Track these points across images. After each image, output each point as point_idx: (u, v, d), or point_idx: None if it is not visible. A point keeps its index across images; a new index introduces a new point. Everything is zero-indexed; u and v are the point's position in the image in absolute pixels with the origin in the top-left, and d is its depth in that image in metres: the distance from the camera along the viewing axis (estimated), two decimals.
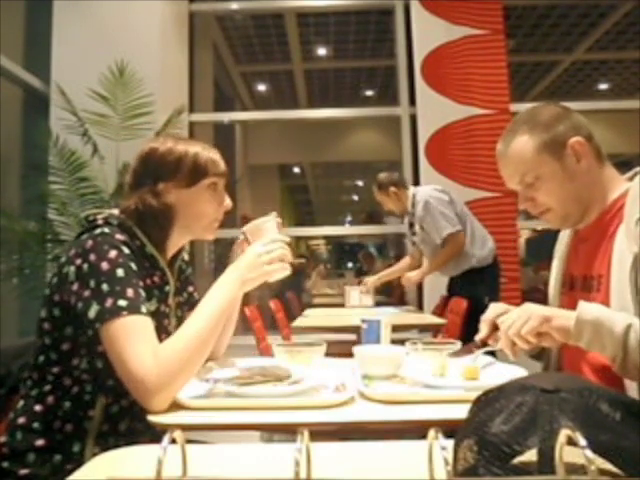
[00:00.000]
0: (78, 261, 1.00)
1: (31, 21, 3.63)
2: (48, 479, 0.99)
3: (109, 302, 0.95)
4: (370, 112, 5.27)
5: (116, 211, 1.13)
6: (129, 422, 1.08)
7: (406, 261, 3.45)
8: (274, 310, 3.10)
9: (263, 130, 7.73)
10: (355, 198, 14.34)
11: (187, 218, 1.14)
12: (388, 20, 4.75)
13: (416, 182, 3.82)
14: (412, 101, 3.94)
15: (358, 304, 3.30)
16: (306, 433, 0.41)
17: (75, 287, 0.98)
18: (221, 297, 1.05)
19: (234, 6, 4.44)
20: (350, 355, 1.15)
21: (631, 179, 1.12)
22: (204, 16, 4.63)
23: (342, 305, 3.44)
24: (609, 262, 1.02)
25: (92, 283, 0.97)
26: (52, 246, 3.03)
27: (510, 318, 1.00)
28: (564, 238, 1.26)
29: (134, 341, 0.93)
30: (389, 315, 2.74)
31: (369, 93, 7.86)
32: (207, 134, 4.62)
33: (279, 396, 0.93)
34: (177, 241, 1.18)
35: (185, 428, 0.54)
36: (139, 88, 3.11)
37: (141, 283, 1.02)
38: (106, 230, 1.04)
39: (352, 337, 2.32)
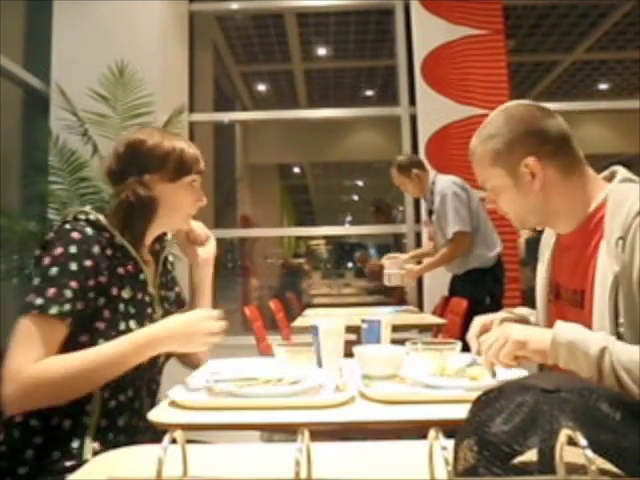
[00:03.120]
0: (37, 252, 1.07)
1: (31, 21, 3.63)
2: (47, 476, 0.98)
3: (30, 297, 0.99)
4: (370, 112, 5.27)
5: (88, 207, 1.15)
6: (128, 418, 1.09)
7: (427, 244, 3.43)
8: (274, 310, 3.10)
9: (263, 130, 7.73)
10: (355, 198, 14.33)
11: (167, 210, 1.18)
12: (388, 20, 4.75)
13: None
14: (412, 101, 3.94)
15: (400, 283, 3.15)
16: (306, 433, 0.41)
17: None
18: (130, 350, 1.03)
19: (234, 6, 4.43)
20: (350, 355, 1.15)
21: (609, 179, 1.08)
22: (204, 16, 4.63)
23: (342, 305, 3.43)
24: (592, 279, 1.00)
25: (33, 275, 1.03)
26: None
27: (490, 339, 1.00)
28: (548, 240, 1.23)
29: (23, 345, 0.97)
30: (389, 315, 2.74)
31: (369, 93, 7.85)
32: (207, 134, 4.62)
33: (279, 396, 0.93)
34: (153, 231, 1.22)
35: (185, 428, 0.54)
36: (139, 88, 3.10)
37: (73, 284, 1.01)
38: (67, 226, 1.07)
39: (352, 337, 2.31)
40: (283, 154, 8.50)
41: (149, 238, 1.22)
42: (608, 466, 0.40)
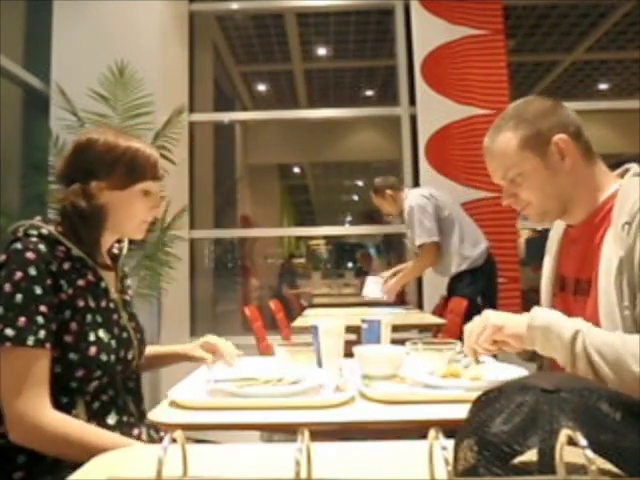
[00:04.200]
0: None
1: (31, 21, 3.63)
2: (46, 477, 0.98)
3: None
4: (370, 112, 5.27)
5: (38, 218, 1.10)
6: (117, 415, 1.08)
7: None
8: (274, 310, 3.10)
9: (263, 130, 7.73)
10: (355, 198, 14.34)
11: (116, 219, 1.13)
12: (388, 20, 4.75)
13: (416, 182, 3.82)
14: (412, 101, 3.94)
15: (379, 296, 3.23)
16: (306, 433, 0.41)
17: None
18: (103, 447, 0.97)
19: (234, 6, 4.43)
20: (350, 355, 1.15)
21: (622, 176, 1.10)
22: (204, 16, 4.63)
23: (342, 305, 3.44)
24: (598, 266, 1.01)
25: None
26: None
27: (470, 326, 1.04)
28: (555, 236, 1.24)
29: (4, 376, 0.95)
30: (389, 315, 2.74)
31: (369, 93, 7.86)
32: (207, 134, 4.63)
33: (279, 396, 0.93)
34: (108, 239, 1.18)
35: (185, 428, 0.54)
36: (139, 88, 3.11)
37: (43, 308, 0.99)
38: (19, 246, 1.01)
39: (352, 337, 2.31)
40: (283, 154, 8.51)
41: (105, 245, 1.18)
42: (608, 466, 0.40)
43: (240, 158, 7.44)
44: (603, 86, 7.66)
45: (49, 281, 1.01)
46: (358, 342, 1.32)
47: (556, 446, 0.38)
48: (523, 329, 0.96)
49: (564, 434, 0.38)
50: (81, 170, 1.10)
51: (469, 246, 2.99)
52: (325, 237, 13.62)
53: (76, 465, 0.70)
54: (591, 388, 0.47)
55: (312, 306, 4.07)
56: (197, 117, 4.11)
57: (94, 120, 3.08)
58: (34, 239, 1.04)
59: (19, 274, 0.98)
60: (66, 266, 1.06)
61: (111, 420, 1.07)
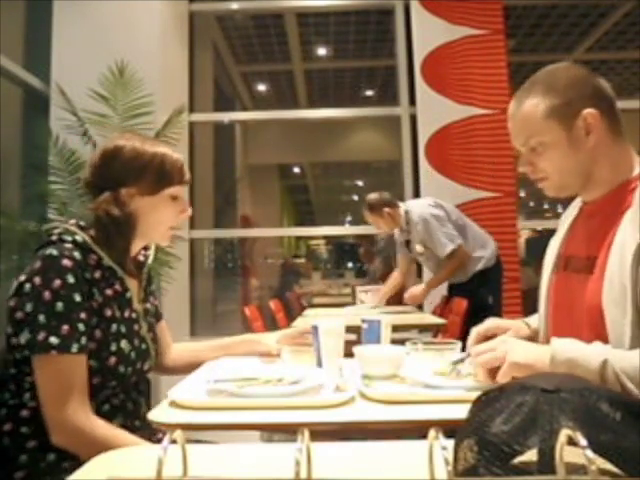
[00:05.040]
0: (22, 278, 1.00)
1: (31, 21, 3.63)
2: (46, 478, 0.98)
3: (41, 335, 0.96)
4: (370, 112, 5.27)
5: (73, 222, 1.11)
6: (123, 419, 1.09)
7: (396, 277, 3.43)
8: (274, 310, 3.10)
9: (263, 130, 7.73)
10: (355, 198, 14.33)
11: (145, 225, 1.13)
12: (388, 20, 4.75)
13: (416, 182, 3.82)
14: (412, 101, 3.94)
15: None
16: (306, 433, 0.41)
17: (12, 303, 1.00)
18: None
19: (234, 6, 4.44)
20: (350, 355, 1.15)
21: None
22: (204, 16, 4.63)
23: (342, 305, 3.44)
24: (609, 245, 0.98)
25: (29, 307, 0.97)
26: None
27: (487, 352, 0.95)
28: (568, 218, 1.20)
29: (52, 382, 0.96)
30: (389, 315, 2.74)
31: (369, 93, 7.86)
32: (207, 134, 4.63)
33: (279, 396, 0.93)
34: (136, 246, 1.18)
35: (185, 428, 0.54)
36: (139, 88, 3.11)
37: (83, 315, 1.00)
38: (54, 252, 1.01)
39: (352, 337, 2.31)
40: (283, 154, 8.51)
41: (133, 252, 1.18)
42: (608, 466, 0.40)
43: (240, 158, 7.44)
44: None
45: (85, 288, 1.02)
46: (358, 342, 1.32)
47: (556, 446, 0.38)
48: (546, 366, 0.88)
49: (564, 434, 0.38)
50: (110, 178, 1.10)
51: (480, 247, 3.00)
52: (325, 237, 13.62)
53: (76, 465, 0.70)
54: (591, 388, 0.47)
55: (312, 306, 4.07)
56: (197, 117, 4.11)
57: (94, 120, 3.08)
58: (69, 245, 1.04)
59: (58, 282, 0.98)
60: (97, 275, 1.07)
61: (117, 423, 1.07)
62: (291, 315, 3.40)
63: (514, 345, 0.95)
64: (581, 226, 1.14)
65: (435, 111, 3.78)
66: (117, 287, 1.12)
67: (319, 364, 1.11)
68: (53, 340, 0.96)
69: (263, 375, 1.03)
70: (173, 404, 0.93)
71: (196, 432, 0.85)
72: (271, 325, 3.25)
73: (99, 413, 1.04)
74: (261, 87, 7.71)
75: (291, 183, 12.03)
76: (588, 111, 1.02)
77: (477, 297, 2.65)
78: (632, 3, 5.00)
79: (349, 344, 1.17)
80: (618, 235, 0.97)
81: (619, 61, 6.75)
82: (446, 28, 3.82)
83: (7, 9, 3.24)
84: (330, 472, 0.65)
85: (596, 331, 0.96)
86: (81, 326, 0.99)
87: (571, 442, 0.37)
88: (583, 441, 0.36)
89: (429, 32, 3.84)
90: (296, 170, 11.13)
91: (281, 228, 9.46)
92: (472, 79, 3.77)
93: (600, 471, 0.36)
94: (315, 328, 1.12)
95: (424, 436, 0.47)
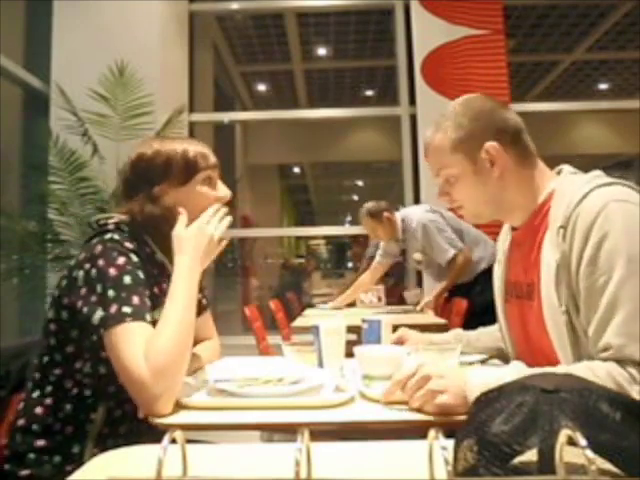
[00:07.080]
0: (87, 265, 1.00)
1: (31, 21, 3.63)
2: (52, 476, 0.99)
3: (114, 308, 0.94)
4: (370, 112, 5.28)
5: (125, 217, 1.12)
6: (130, 425, 1.08)
7: (366, 283, 3.39)
8: (274, 310, 3.10)
9: (263, 130, 7.73)
10: (355, 198, 14.34)
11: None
12: (388, 20, 4.75)
13: (416, 182, 3.82)
14: (412, 101, 3.94)
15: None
16: (306, 433, 0.41)
17: (83, 291, 0.98)
18: (188, 286, 1.01)
19: (234, 6, 4.44)
20: (350, 355, 1.15)
21: (559, 174, 1.09)
22: (204, 16, 4.64)
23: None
24: (539, 269, 1.00)
25: (99, 288, 0.97)
26: (52, 246, 3.03)
27: (407, 377, 0.88)
28: (503, 240, 1.22)
29: (133, 345, 0.91)
30: (389, 315, 2.74)
31: (369, 93, 7.86)
32: (207, 134, 4.63)
33: (279, 396, 0.93)
34: None
35: (185, 428, 0.54)
36: (139, 88, 3.11)
37: (148, 292, 1.01)
38: (116, 236, 1.04)
39: (352, 337, 2.31)
40: (283, 154, 8.50)
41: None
42: (608, 466, 0.40)
43: (240, 158, 7.44)
44: (603, 86, 7.66)
45: (145, 273, 1.03)
46: (358, 342, 1.32)
47: (556, 446, 0.38)
48: (463, 393, 0.82)
49: (564, 434, 0.38)
50: (140, 183, 1.11)
51: (481, 248, 2.99)
52: (325, 237, 13.62)
53: (79, 465, 0.71)
54: (591, 388, 0.47)
55: (312, 306, 4.07)
56: (197, 117, 4.11)
57: (94, 120, 3.08)
58: (126, 235, 1.06)
59: (122, 259, 1.00)
60: (149, 267, 1.07)
61: (123, 429, 1.07)
62: (291, 315, 3.40)
63: (429, 369, 0.88)
64: (515, 252, 1.16)
65: (435, 111, 3.73)
66: (164, 285, 1.09)
67: (320, 364, 1.11)
68: (126, 309, 0.94)
69: (263, 375, 1.03)
70: (173, 404, 0.92)
71: (196, 432, 0.85)
72: (271, 325, 3.26)
73: (110, 419, 1.04)
74: (261, 87, 7.71)
75: (291, 183, 12.03)
76: (489, 144, 1.05)
77: (482, 296, 2.65)
78: (632, 3, 5.00)
79: (349, 344, 1.16)
80: (543, 258, 0.99)
81: (619, 61, 6.75)
82: (446, 28, 3.82)
83: (7, 9, 3.24)
84: (330, 472, 0.65)
85: (553, 356, 0.96)
86: (147, 301, 0.99)
87: (571, 442, 0.37)
88: (583, 441, 0.36)
89: (429, 32, 3.85)
90: (296, 170, 11.13)
91: (281, 228, 9.46)
92: (472, 79, 3.77)
93: (600, 471, 0.36)
94: (316, 328, 1.12)
95: (424, 436, 0.47)
